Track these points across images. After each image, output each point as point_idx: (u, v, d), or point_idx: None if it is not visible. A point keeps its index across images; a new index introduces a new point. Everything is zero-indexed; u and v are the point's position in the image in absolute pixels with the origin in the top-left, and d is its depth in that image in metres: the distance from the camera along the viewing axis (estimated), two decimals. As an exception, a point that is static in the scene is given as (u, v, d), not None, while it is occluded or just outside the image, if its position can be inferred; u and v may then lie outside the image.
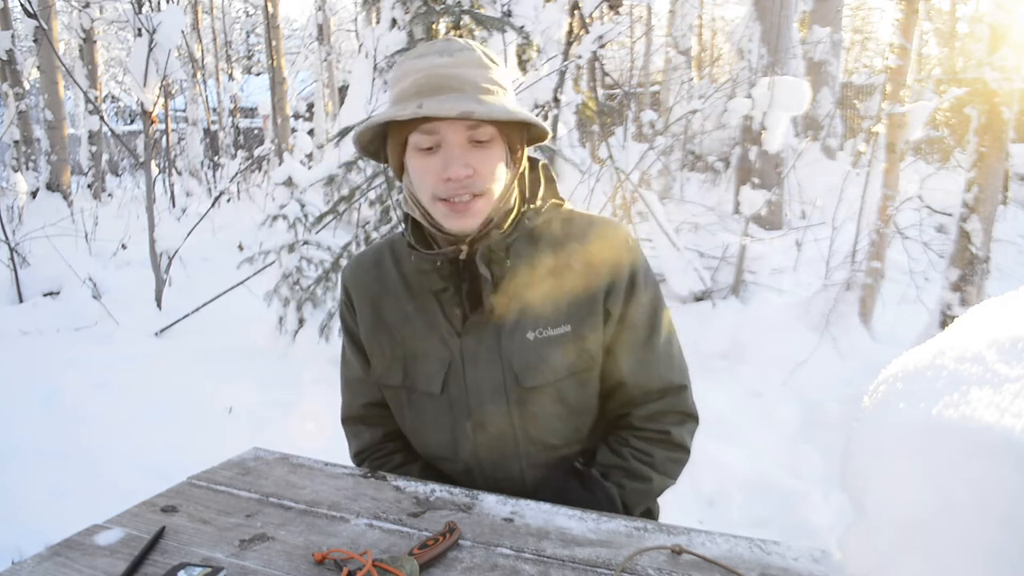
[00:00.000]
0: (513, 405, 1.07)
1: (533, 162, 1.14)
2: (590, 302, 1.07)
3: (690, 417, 1.14)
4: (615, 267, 1.08)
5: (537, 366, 1.06)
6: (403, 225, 1.12)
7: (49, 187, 8.35)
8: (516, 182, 1.08)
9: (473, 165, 0.98)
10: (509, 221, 1.05)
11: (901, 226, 4.17)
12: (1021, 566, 0.46)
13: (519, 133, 1.05)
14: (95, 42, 10.64)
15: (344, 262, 4.04)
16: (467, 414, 1.09)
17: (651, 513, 1.20)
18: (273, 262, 4.43)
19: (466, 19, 3.72)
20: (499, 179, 1.02)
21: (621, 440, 1.12)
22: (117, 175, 13.83)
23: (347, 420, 1.25)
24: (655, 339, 1.11)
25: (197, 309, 4.79)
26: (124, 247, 6.83)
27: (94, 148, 10.82)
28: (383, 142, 1.08)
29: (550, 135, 1.09)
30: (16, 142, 8.52)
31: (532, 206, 1.09)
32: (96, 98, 10.59)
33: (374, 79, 4.17)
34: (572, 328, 1.07)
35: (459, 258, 1.05)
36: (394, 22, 4.01)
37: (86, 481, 2.68)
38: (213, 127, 13.74)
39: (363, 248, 3.92)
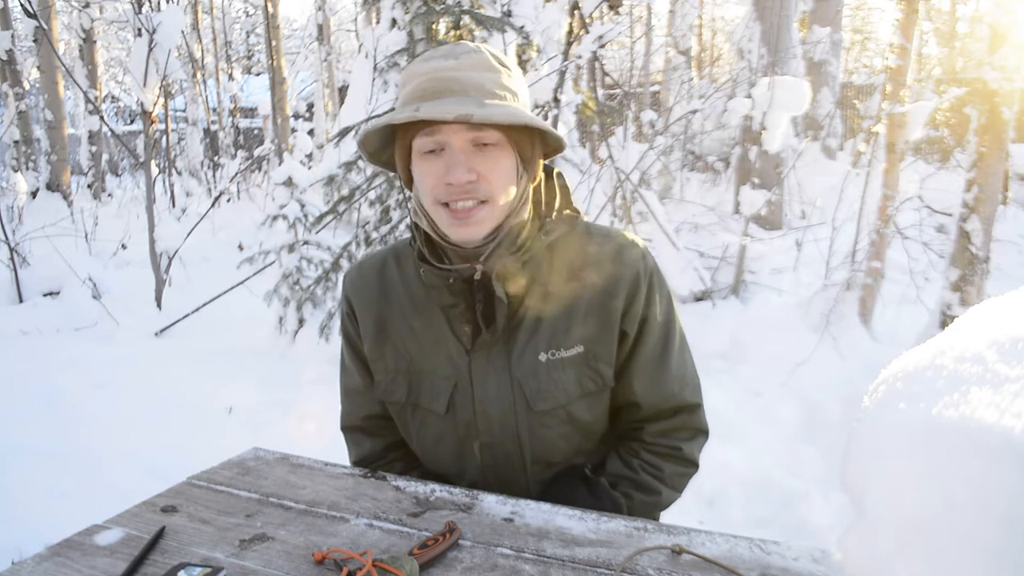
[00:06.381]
0: (522, 428, 1.05)
1: (548, 171, 1.09)
2: (606, 322, 1.04)
3: (701, 432, 1.13)
4: (632, 287, 1.04)
5: (548, 389, 1.04)
6: (409, 233, 1.08)
7: (49, 187, 8.36)
8: (531, 194, 1.03)
9: (477, 169, 0.94)
10: (524, 237, 1.01)
11: (901, 226, 4.17)
12: (1021, 566, 0.46)
13: (531, 143, 1.00)
14: (95, 42, 10.64)
15: (344, 262, 4.04)
16: (474, 435, 1.07)
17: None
18: (273, 262, 4.43)
19: (466, 19, 3.72)
20: (506, 187, 0.97)
21: (631, 452, 1.10)
22: (117, 175, 13.84)
23: (347, 429, 1.23)
24: (668, 359, 1.08)
25: (197, 309, 4.79)
26: (124, 247, 6.84)
27: (94, 148, 10.83)
28: (393, 150, 1.05)
29: (566, 146, 1.04)
30: (16, 142, 8.53)
31: (548, 220, 1.04)
32: (96, 98, 10.59)
33: (374, 79, 4.16)
34: (585, 348, 1.04)
35: (474, 277, 1.01)
36: (394, 22, 4.01)
37: (86, 481, 2.67)
38: (213, 127, 13.74)
39: (364, 251, 3.93)
